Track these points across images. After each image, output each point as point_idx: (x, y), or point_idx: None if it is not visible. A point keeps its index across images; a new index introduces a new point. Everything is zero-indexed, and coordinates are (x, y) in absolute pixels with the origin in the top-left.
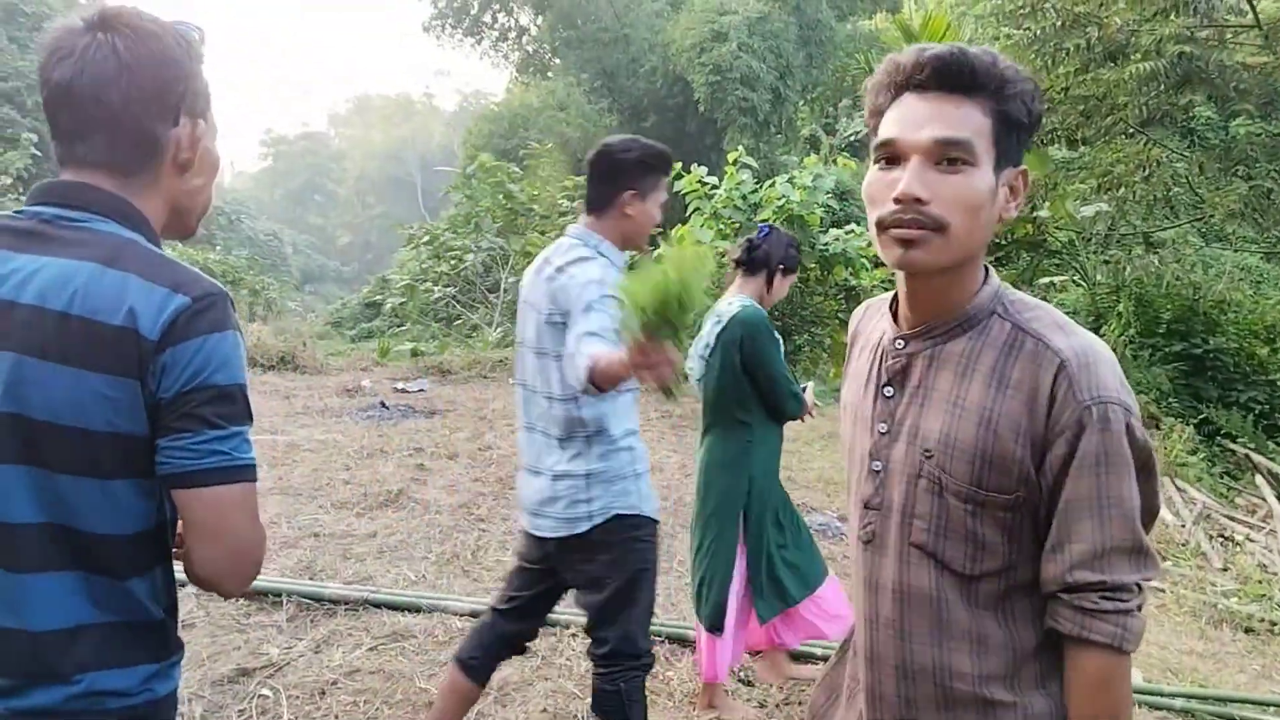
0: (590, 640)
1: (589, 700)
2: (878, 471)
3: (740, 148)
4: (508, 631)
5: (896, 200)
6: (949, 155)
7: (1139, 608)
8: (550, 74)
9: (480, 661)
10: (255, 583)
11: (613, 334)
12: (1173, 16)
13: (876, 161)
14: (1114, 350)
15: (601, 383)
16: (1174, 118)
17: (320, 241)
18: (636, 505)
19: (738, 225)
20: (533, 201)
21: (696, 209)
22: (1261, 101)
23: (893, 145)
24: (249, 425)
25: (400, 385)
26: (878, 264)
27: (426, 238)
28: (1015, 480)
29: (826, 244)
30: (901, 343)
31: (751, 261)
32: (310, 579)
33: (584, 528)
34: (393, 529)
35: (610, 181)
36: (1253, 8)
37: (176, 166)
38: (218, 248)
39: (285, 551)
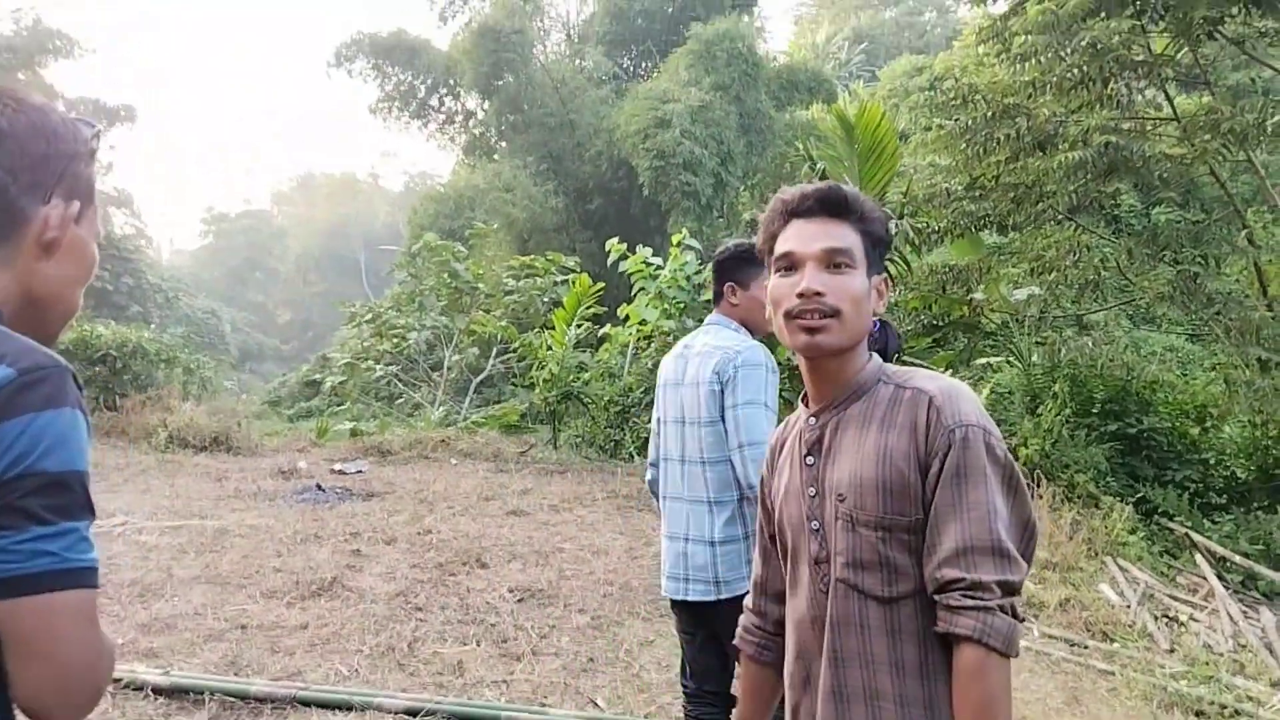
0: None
1: None
2: (817, 530)
3: (684, 230)
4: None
5: (800, 295)
6: (835, 260)
7: (1002, 609)
8: (496, 156)
9: None
10: (176, 679)
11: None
12: (1097, 109)
13: (777, 271)
14: (1050, 429)
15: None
16: (1101, 205)
17: (260, 319)
18: None
19: (682, 305)
20: (478, 280)
21: (642, 289)
22: (1181, 191)
23: (792, 256)
24: (88, 520)
25: (338, 466)
26: None
27: (369, 315)
28: (913, 503)
29: None
30: (813, 419)
31: (880, 352)
32: (235, 674)
33: (743, 589)
34: (325, 619)
35: (716, 279)
36: (1170, 103)
37: (40, 247)
38: (153, 325)
39: (209, 645)
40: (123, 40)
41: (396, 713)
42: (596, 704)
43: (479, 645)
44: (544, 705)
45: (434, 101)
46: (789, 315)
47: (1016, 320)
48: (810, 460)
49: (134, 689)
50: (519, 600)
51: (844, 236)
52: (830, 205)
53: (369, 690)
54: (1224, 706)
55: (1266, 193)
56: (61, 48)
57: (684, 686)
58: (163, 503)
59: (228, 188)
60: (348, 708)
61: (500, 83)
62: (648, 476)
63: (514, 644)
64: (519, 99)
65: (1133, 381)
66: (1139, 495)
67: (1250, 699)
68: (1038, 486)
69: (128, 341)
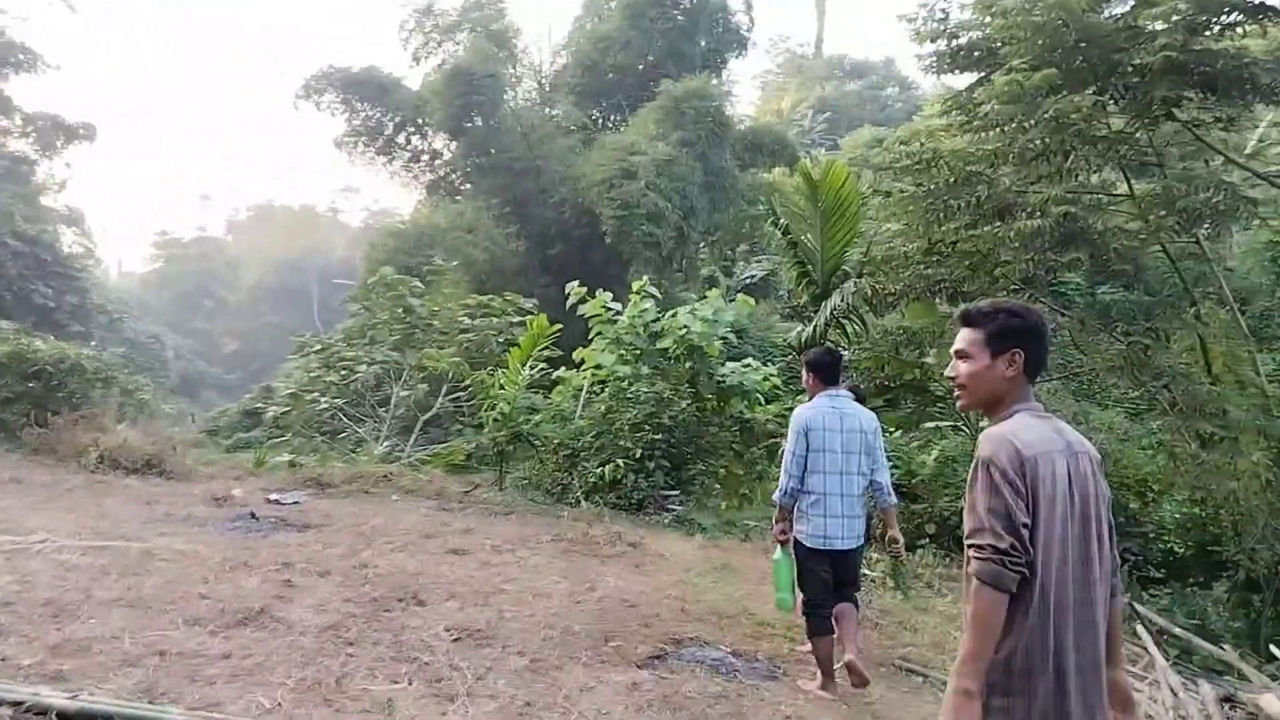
0: None
1: None
2: None
3: (644, 278)
4: None
5: (948, 374)
6: (960, 353)
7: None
8: (460, 197)
9: None
10: (84, 704)
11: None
12: (1057, 181)
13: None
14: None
15: None
16: (1051, 280)
17: (205, 347)
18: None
19: (639, 351)
20: (433, 317)
21: (599, 333)
22: (1131, 271)
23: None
24: None
25: (274, 496)
26: (770, 399)
27: (318, 346)
28: None
29: (724, 376)
30: None
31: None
32: (149, 703)
33: None
34: (250, 650)
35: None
36: (1128, 181)
37: None
38: (93, 344)
39: (124, 670)
40: (86, 56)
41: None
42: None
43: (411, 684)
44: None
45: (401, 139)
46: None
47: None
48: None
49: (36, 713)
50: (455, 639)
51: (966, 339)
52: (963, 319)
53: None
54: None
55: (1211, 276)
56: (24, 62)
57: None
58: (88, 522)
59: (182, 213)
60: None
61: (469, 125)
62: (792, 486)
63: (448, 684)
64: (487, 142)
65: None
66: None
67: None
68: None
69: (65, 357)
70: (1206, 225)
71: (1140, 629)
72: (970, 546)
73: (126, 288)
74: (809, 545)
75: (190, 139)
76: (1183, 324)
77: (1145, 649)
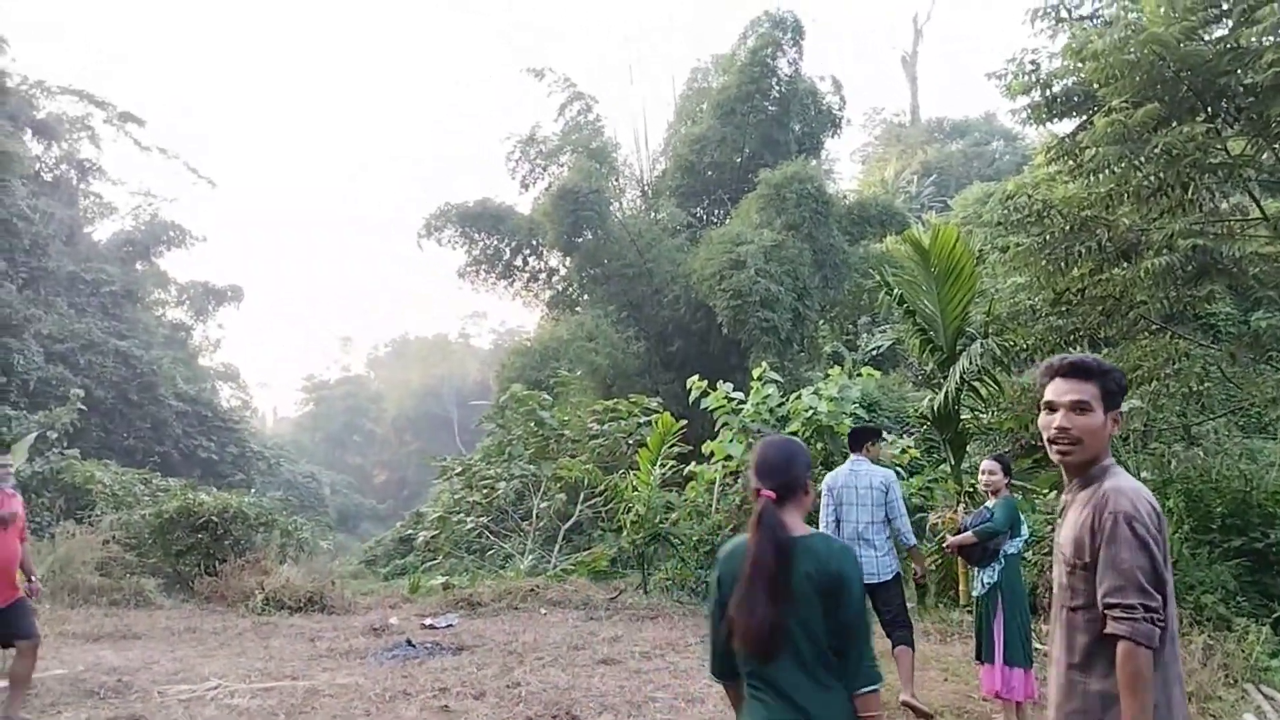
0: None
1: None
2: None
3: (764, 364)
4: None
5: (1057, 428)
6: (1079, 406)
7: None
8: (579, 308)
9: None
10: None
11: None
12: (1180, 214)
13: (1040, 410)
14: (1171, 547)
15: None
16: (1195, 314)
17: (358, 480)
18: None
19: None
20: (564, 427)
21: (725, 424)
22: None
23: (1053, 403)
24: None
25: (428, 621)
26: (912, 473)
27: (459, 468)
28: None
29: None
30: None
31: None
32: None
33: None
34: None
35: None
36: (1258, 204)
37: None
38: (253, 490)
39: None
40: (227, 227)
41: None
42: None
43: None
44: None
45: (518, 262)
46: (1050, 440)
47: (1120, 436)
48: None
49: None
50: None
51: (1085, 390)
52: (1077, 370)
53: None
54: None
55: None
56: (175, 238)
57: None
58: (256, 665)
59: (326, 356)
60: None
61: (580, 240)
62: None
63: None
64: (598, 253)
65: (1253, 493)
66: (1276, 615)
67: None
68: None
69: (229, 507)
70: None
71: None
72: (1116, 606)
73: (282, 432)
74: None
75: (327, 285)
76: None
77: None
